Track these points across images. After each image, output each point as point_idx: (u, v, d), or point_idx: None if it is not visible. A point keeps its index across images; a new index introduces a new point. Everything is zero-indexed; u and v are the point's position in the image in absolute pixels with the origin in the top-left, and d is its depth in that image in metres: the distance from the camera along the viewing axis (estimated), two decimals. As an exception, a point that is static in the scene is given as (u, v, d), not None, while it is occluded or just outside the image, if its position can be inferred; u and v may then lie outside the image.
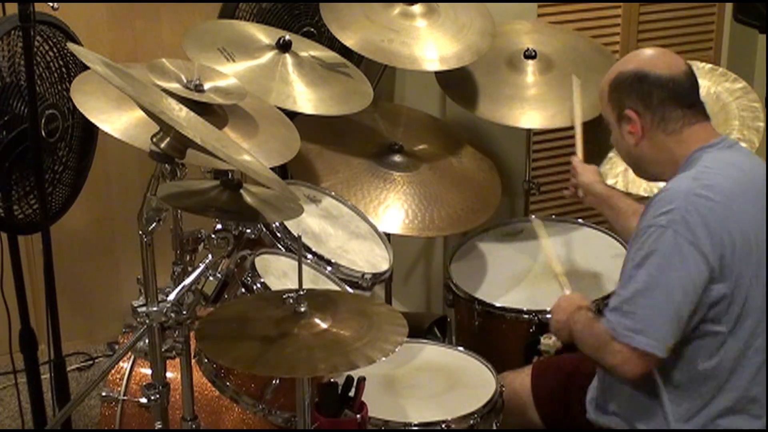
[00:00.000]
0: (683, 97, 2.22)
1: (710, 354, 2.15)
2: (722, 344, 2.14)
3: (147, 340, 2.18)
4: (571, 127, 3.40)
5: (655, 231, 2.10)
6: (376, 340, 2.05)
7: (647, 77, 2.21)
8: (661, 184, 2.29)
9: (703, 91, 3.17)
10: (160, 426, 2.25)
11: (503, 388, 2.47)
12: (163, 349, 2.20)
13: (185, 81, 2.46)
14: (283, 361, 2.00)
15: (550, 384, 2.55)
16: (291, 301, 2.07)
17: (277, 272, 2.52)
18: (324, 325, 2.07)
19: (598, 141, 3.22)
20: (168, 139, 2.00)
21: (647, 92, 2.20)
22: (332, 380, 2.27)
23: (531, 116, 3.20)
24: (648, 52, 2.30)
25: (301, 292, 2.07)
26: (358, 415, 2.25)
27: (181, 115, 2.15)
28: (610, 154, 3.21)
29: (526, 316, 2.84)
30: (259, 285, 2.40)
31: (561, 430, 2.54)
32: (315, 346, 2.02)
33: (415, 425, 2.34)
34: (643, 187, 3.00)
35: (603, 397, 2.33)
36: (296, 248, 2.29)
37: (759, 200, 2.17)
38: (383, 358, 2.02)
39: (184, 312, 2.20)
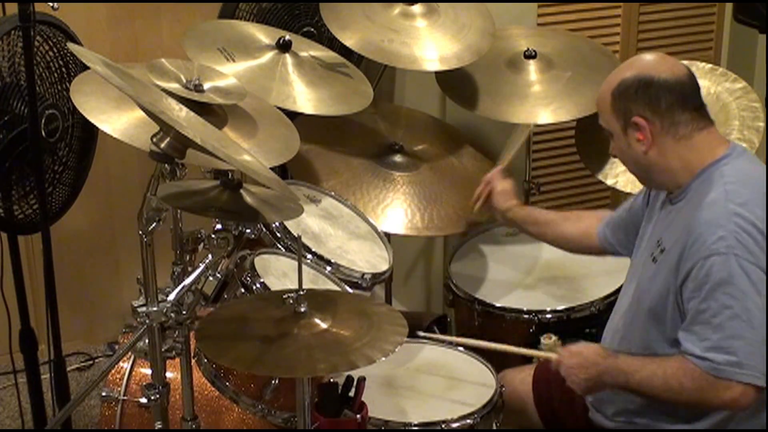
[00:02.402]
0: (689, 100, 2.19)
1: None
2: None
3: (147, 340, 2.18)
4: (572, 127, 3.41)
5: (718, 259, 2.06)
6: (376, 340, 2.05)
7: (653, 82, 2.18)
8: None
9: (703, 92, 3.15)
10: (160, 426, 2.25)
11: (503, 388, 2.47)
12: (163, 349, 2.20)
13: (185, 81, 2.45)
14: (283, 361, 2.00)
15: (551, 384, 2.54)
16: (291, 301, 2.07)
17: (277, 272, 2.52)
18: (324, 325, 2.07)
19: (598, 141, 3.22)
20: (168, 139, 2.00)
21: (654, 97, 2.17)
22: (332, 380, 2.27)
23: (533, 112, 3.19)
24: (647, 57, 2.27)
25: (301, 292, 2.07)
26: (358, 415, 2.25)
27: (181, 115, 2.15)
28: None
29: (526, 316, 2.84)
30: (258, 285, 2.40)
31: (561, 430, 2.54)
32: (315, 346, 2.02)
33: (415, 425, 2.34)
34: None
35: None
36: (296, 248, 2.29)
37: None
38: (383, 358, 2.02)
39: (184, 312, 2.20)
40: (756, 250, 2.06)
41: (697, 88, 2.22)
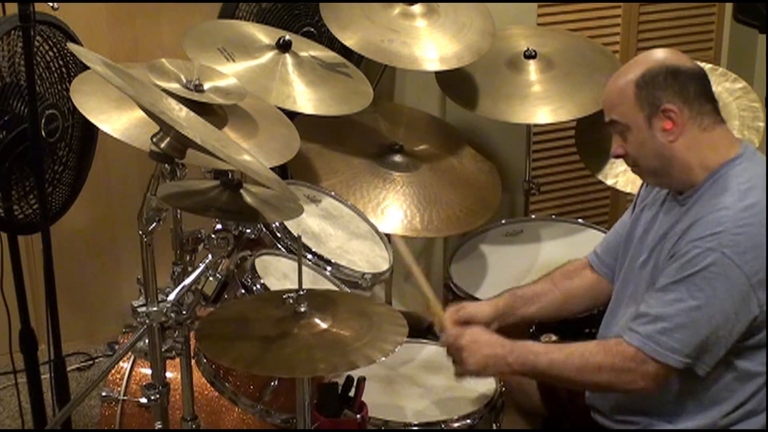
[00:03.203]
0: (710, 91, 2.21)
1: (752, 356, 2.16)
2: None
3: (147, 340, 2.18)
4: (572, 127, 3.41)
5: (702, 252, 2.07)
6: (376, 340, 2.05)
7: (680, 70, 2.18)
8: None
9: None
10: (160, 426, 2.25)
11: (503, 388, 2.47)
12: (163, 349, 2.20)
13: (185, 81, 2.46)
14: (283, 361, 2.00)
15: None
16: (291, 301, 2.07)
17: (277, 273, 2.52)
18: (324, 325, 2.07)
19: (598, 141, 3.22)
20: (168, 139, 2.00)
21: (684, 85, 2.16)
22: (332, 380, 2.27)
23: (533, 112, 3.19)
24: (663, 51, 2.26)
25: (301, 292, 2.07)
26: (358, 415, 2.25)
27: (181, 115, 2.15)
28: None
29: (526, 316, 2.83)
30: (258, 286, 2.40)
31: (561, 430, 2.54)
32: (315, 346, 2.02)
33: (415, 425, 2.34)
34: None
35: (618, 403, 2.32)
36: (296, 248, 2.29)
37: None
38: (383, 358, 2.02)
39: (184, 312, 2.20)
40: (749, 257, 2.06)
41: (710, 83, 2.24)
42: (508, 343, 2.28)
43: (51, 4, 2.50)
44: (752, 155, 2.20)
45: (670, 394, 2.20)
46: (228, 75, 2.64)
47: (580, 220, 3.34)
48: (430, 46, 3.07)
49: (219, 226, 2.48)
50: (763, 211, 2.10)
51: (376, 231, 2.87)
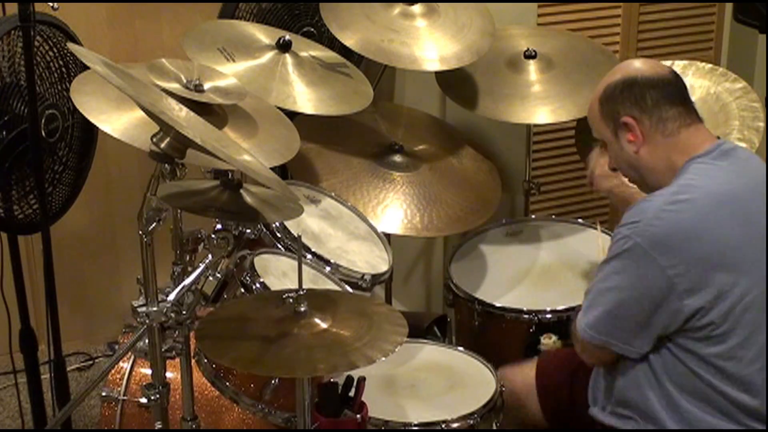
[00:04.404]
0: (675, 95, 2.21)
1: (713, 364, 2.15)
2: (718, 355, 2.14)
3: (147, 340, 2.18)
4: (572, 127, 3.41)
5: (621, 238, 2.12)
6: (376, 340, 2.05)
7: (636, 81, 2.21)
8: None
9: (703, 91, 3.18)
10: (160, 426, 2.25)
11: (503, 388, 2.47)
12: (163, 349, 2.20)
13: (185, 81, 2.46)
14: (283, 361, 2.01)
15: (554, 377, 2.54)
16: (291, 300, 2.08)
17: (277, 272, 2.52)
18: (324, 325, 2.07)
19: (597, 140, 3.22)
20: (168, 139, 2.00)
21: (640, 95, 2.20)
22: (332, 380, 2.27)
23: (533, 112, 3.19)
24: (631, 62, 2.30)
25: (301, 292, 2.07)
26: (358, 415, 2.25)
27: (181, 115, 2.16)
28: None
29: (526, 316, 2.83)
30: (258, 285, 2.40)
31: (561, 429, 2.54)
32: (315, 346, 2.02)
33: (415, 425, 2.34)
34: (643, 187, 3.01)
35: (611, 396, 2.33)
36: (296, 248, 2.29)
37: (746, 210, 2.13)
38: (383, 358, 2.02)
39: (184, 312, 2.20)
40: (662, 250, 2.07)
41: (683, 85, 2.25)
42: None
43: (51, 4, 2.50)
44: (722, 155, 2.18)
45: (658, 389, 2.20)
46: (228, 75, 2.64)
47: (580, 220, 3.34)
48: (430, 46, 3.07)
49: (219, 226, 2.48)
50: (694, 208, 2.10)
51: (376, 232, 2.87)
